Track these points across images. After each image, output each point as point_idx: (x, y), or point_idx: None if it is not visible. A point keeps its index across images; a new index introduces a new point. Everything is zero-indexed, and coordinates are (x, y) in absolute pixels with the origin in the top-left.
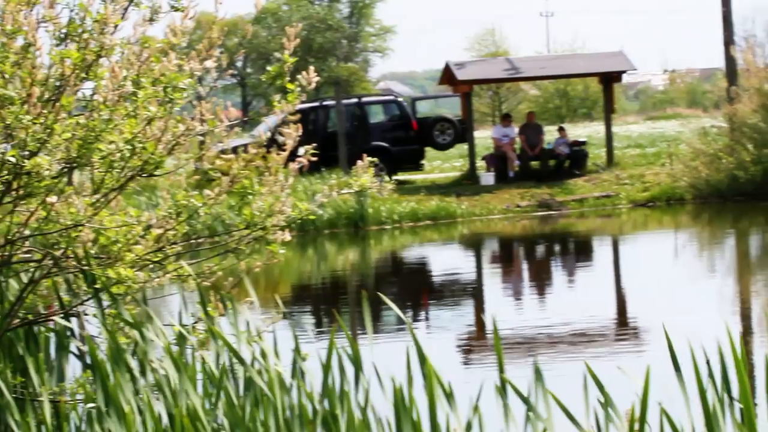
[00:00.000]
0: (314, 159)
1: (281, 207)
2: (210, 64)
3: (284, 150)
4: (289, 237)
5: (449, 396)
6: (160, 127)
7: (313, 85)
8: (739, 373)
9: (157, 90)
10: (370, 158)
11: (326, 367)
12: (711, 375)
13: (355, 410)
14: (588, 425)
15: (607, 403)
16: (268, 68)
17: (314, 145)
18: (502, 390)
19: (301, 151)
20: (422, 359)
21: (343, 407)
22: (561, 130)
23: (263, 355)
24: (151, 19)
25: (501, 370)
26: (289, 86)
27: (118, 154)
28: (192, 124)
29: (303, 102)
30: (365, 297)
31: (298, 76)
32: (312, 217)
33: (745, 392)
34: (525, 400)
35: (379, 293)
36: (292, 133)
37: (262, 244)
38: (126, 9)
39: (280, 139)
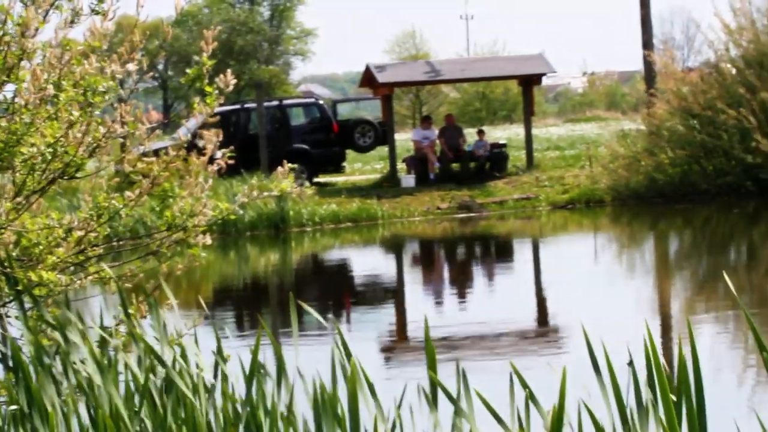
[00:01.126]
0: (231, 162)
1: (202, 209)
2: (132, 67)
3: (204, 153)
4: (210, 241)
5: (373, 394)
6: (82, 130)
7: (231, 87)
8: (658, 374)
9: (78, 93)
10: (290, 165)
11: (250, 370)
12: (634, 375)
13: (280, 413)
14: (512, 424)
15: (531, 400)
16: (188, 71)
17: (231, 148)
18: (432, 387)
19: (219, 154)
20: (348, 354)
21: (266, 410)
22: (480, 132)
23: (183, 356)
24: (72, 22)
25: (432, 368)
26: (208, 89)
27: (40, 157)
28: (113, 126)
29: (224, 104)
30: (292, 299)
31: (216, 79)
32: (233, 217)
33: (665, 392)
34: (451, 399)
35: (299, 301)
36: (211, 137)
37: (183, 247)
38: (47, 12)
39: (200, 142)
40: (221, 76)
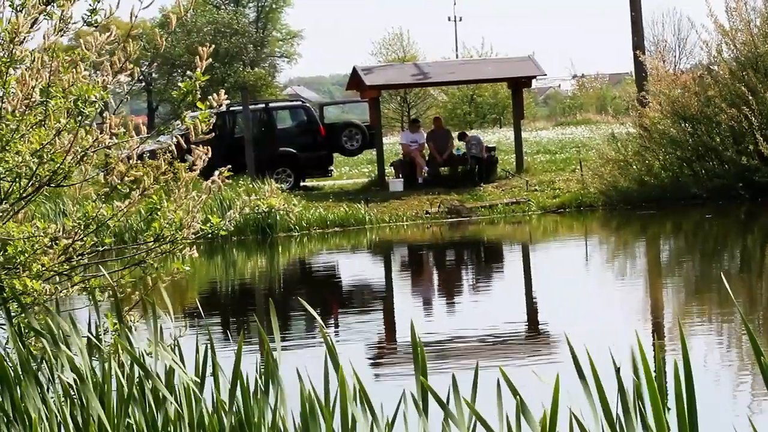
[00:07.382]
0: (229, 182)
1: (191, 222)
2: (124, 78)
3: (194, 169)
4: (196, 254)
5: (367, 402)
6: (70, 139)
7: (223, 107)
8: (648, 382)
9: (68, 101)
10: (276, 184)
11: (237, 376)
12: (620, 383)
13: (269, 420)
14: None
15: (521, 408)
16: (180, 84)
17: (229, 166)
18: (423, 393)
19: (216, 174)
20: (335, 363)
21: (256, 416)
22: (462, 135)
23: (173, 366)
24: (61, 31)
25: (424, 375)
26: (200, 105)
27: (25, 166)
28: (102, 137)
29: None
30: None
31: (209, 97)
32: (223, 232)
33: (656, 400)
34: (442, 405)
35: (300, 299)
36: (201, 154)
37: (169, 258)
38: (36, 19)
39: (189, 158)
40: (214, 95)
